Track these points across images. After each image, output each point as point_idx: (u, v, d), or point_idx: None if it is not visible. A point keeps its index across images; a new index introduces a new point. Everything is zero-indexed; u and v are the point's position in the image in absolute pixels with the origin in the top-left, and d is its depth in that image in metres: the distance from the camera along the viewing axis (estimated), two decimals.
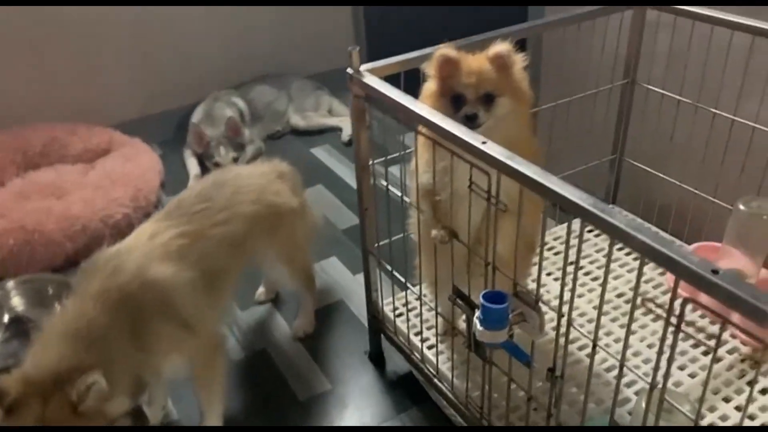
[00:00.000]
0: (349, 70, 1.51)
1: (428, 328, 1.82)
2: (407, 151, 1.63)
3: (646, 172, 2.09)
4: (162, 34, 3.21)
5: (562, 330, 1.16)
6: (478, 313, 1.22)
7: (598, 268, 2.01)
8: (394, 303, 1.90)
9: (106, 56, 3.12)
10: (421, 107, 1.35)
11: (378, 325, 1.94)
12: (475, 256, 1.35)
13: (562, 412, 1.48)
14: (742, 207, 1.72)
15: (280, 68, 3.50)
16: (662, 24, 1.91)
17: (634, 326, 1.68)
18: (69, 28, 2.99)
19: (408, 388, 1.93)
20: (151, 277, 1.56)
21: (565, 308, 1.16)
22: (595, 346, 1.12)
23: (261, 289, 2.30)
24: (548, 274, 1.99)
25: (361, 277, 2.36)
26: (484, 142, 1.18)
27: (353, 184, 2.93)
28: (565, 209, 1.05)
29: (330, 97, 3.50)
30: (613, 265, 1.97)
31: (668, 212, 2.08)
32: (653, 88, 1.98)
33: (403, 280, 1.71)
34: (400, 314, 1.86)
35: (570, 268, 1.12)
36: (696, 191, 1.94)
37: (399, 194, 1.57)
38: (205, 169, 2.97)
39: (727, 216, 1.80)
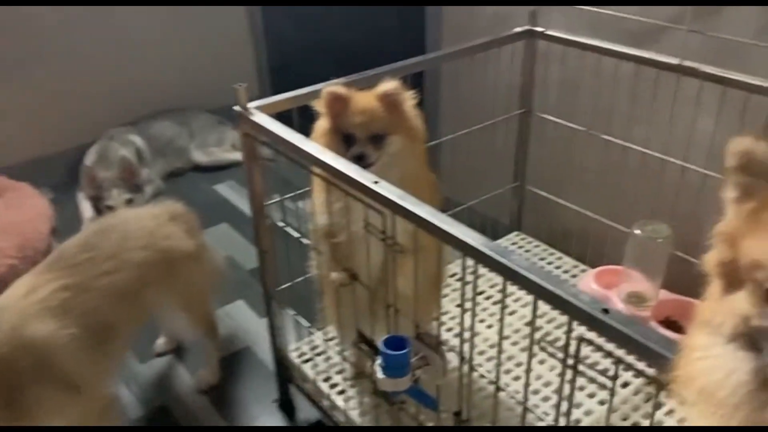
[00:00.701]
0: (237, 108, 1.44)
1: (337, 373, 1.75)
2: (303, 190, 1.57)
3: (547, 199, 2.12)
4: (50, 68, 3.02)
5: (465, 372, 1.12)
6: (379, 359, 1.16)
7: (494, 304, 1.94)
8: (300, 348, 1.82)
9: None
10: (313, 146, 1.29)
11: (285, 371, 1.84)
12: (377, 298, 1.30)
13: None
14: (636, 231, 1.75)
15: (180, 102, 3.37)
16: (553, 54, 1.95)
17: (535, 363, 1.64)
18: None
19: None
20: (28, 337, 1.43)
21: (467, 348, 1.12)
22: (498, 388, 1.08)
23: (161, 340, 2.16)
24: (447, 314, 1.92)
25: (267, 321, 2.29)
26: (375, 182, 1.13)
27: None
28: (457, 249, 1.02)
29: (234, 132, 3.39)
30: (510, 302, 1.90)
31: (571, 237, 2.11)
32: (548, 116, 2.02)
33: (307, 324, 1.63)
34: (307, 360, 1.78)
35: (468, 306, 1.08)
36: (595, 216, 1.98)
37: (297, 234, 1.50)
38: (99, 213, 2.79)
39: (625, 239, 1.84)
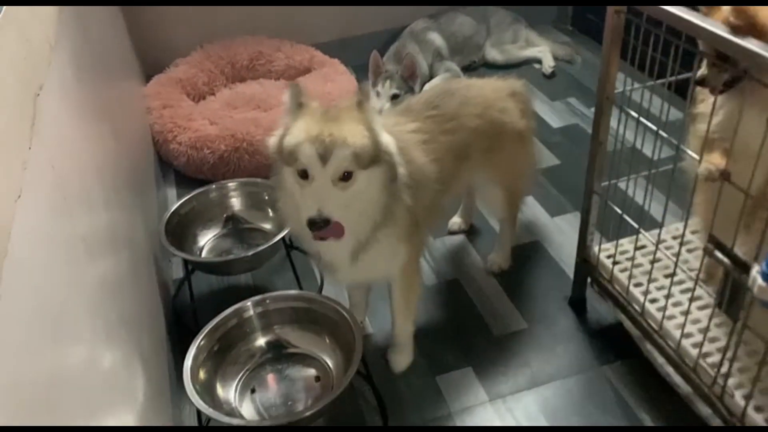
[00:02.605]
0: None
1: (651, 281, 1.67)
2: (664, 80, 1.45)
3: None
4: None
5: None
6: (761, 266, 1.07)
7: None
8: (608, 250, 1.77)
9: None
10: (713, 23, 1.17)
11: (588, 270, 1.82)
12: (754, 207, 1.18)
13: None
14: None
15: None
16: None
17: None
18: None
19: (612, 341, 1.81)
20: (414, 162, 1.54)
21: None
22: None
23: (456, 219, 2.25)
24: None
25: (560, 219, 2.27)
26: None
27: (552, 122, 2.79)
28: None
29: (527, 30, 3.31)
30: None
31: None
32: None
33: (635, 225, 1.56)
34: (617, 262, 1.73)
35: None
36: None
37: (654, 128, 1.41)
38: None
39: None
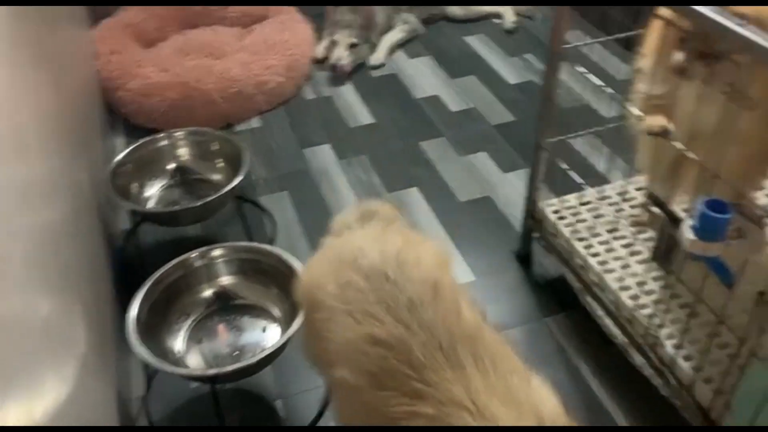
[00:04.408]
0: None
1: (593, 236, 1.71)
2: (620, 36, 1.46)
3: None
4: None
5: None
6: (692, 220, 1.10)
7: None
8: (554, 205, 1.80)
9: None
10: None
11: (534, 225, 1.85)
12: (689, 162, 1.21)
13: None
14: None
15: None
16: None
17: None
18: None
19: (556, 293, 1.86)
20: None
21: None
22: None
23: None
24: None
25: (511, 175, 2.29)
26: (741, 23, 1.00)
27: (509, 78, 2.79)
28: None
29: None
30: None
31: None
32: None
33: (580, 180, 1.59)
34: (562, 217, 1.76)
35: None
36: None
37: (599, 83, 1.42)
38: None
39: None
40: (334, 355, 1.03)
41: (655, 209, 1.27)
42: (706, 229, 1.07)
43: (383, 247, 1.07)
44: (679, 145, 1.21)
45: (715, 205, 1.07)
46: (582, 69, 1.46)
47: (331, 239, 1.20)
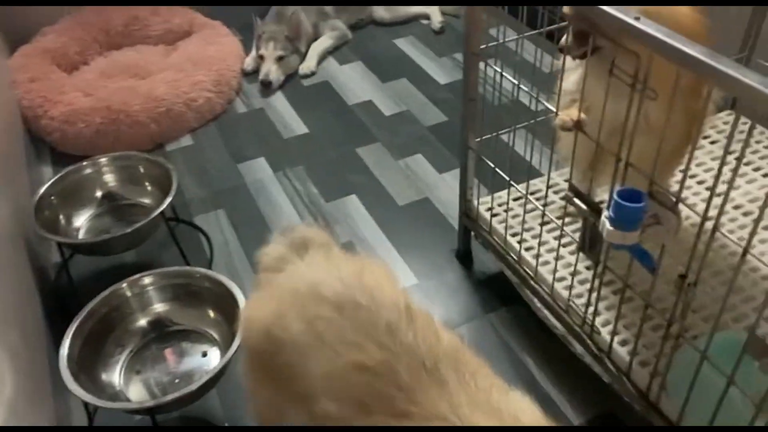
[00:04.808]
0: None
1: (526, 230, 1.73)
2: (526, 34, 1.48)
3: None
4: None
5: (705, 235, 1.05)
6: (607, 211, 1.12)
7: (748, 165, 1.84)
8: (487, 203, 1.82)
9: None
10: None
11: (470, 223, 1.87)
12: (604, 151, 1.24)
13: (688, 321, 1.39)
14: None
15: None
16: None
17: None
18: None
19: (497, 289, 1.88)
20: None
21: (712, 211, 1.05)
22: (745, 253, 1.01)
23: None
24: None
25: (448, 175, 2.31)
26: (636, 18, 1.03)
27: (439, 78, 2.81)
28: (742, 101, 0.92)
29: None
30: None
31: None
32: None
33: (507, 177, 1.61)
34: (496, 214, 1.78)
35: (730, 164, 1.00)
36: None
37: (515, 82, 1.44)
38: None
39: None
40: (312, 390, 1.01)
41: (578, 201, 1.29)
42: (622, 219, 1.10)
43: (340, 275, 1.06)
44: (589, 137, 1.24)
45: (629, 195, 1.10)
46: (496, 68, 1.48)
47: (270, 275, 1.17)
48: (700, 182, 1.83)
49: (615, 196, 1.09)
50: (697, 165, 1.87)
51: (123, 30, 2.87)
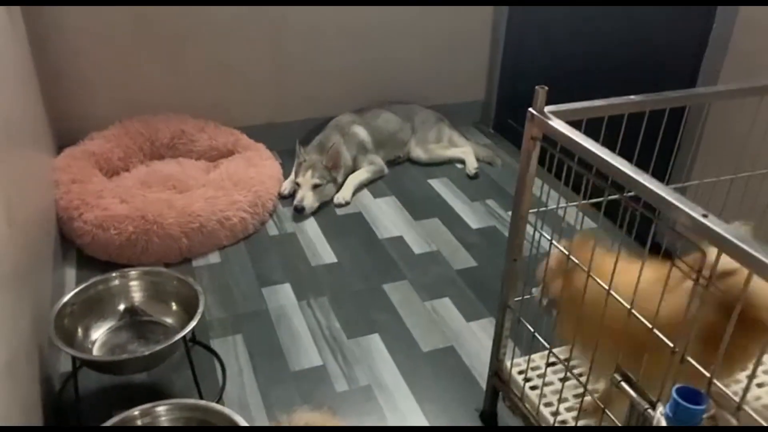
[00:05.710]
0: (532, 110, 1.40)
1: (560, 401, 1.65)
2: (567, 205, 1.49)
3: None
4: (297, 47, 3.20)
5: None
6: (664, 409, 1.06)
7: None
8: (520, 365, 1.75)
9: (241, 59, 3.14)
10: (616, 157, 1.21)
11: (500, 386, 1.78)
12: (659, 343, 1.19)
13: None
14: None
15: (404, 96, 3.45)
16: None
17: None
18: (212, 27, 3.02)
19: None
20: None
21: None
22: None
23: None
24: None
25: (475, 325, 2.25)
26: (705, 215, 1.02)
27: (471, 222, 2.82)
28: None
29: (450, 130, 3.40)
30: None
31: None
32: None
33: (547, 344, 1.55)
34: (529, 378, 1.70)
35: None
36: None
37: (560, 248, 1.42)
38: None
39: None
40: None
41: (627, 387, 1.22)
42: (681, 419, 1.03)
43: None
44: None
45: (687, 394, 1.04)
46: (546, 236, 1.47)
47: None
48: (759, 384, 1.70)
49: (674, 395, 1.03)
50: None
51: (168, 142, 2.96)
